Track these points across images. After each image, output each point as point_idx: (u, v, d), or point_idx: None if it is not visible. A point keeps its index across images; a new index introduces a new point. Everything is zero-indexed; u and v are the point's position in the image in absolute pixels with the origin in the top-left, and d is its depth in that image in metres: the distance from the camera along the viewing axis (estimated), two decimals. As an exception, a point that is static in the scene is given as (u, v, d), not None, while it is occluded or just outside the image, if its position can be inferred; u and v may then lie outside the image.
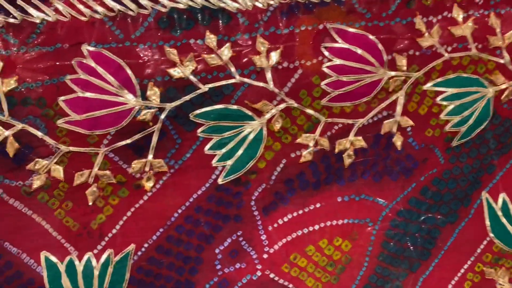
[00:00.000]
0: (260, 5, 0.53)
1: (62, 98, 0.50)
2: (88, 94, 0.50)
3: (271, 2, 0.54)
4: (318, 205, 0.62)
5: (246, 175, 0.57)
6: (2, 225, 0.53)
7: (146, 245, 0.57)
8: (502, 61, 0.60)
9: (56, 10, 0.50)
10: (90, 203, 0.54)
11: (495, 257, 0.66)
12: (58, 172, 0.51)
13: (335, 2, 0.56)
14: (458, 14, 0.57)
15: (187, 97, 0.53)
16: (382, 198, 0.61)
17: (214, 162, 0.55)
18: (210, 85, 0.52)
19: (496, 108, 0.62)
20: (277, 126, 0.54)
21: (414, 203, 0.62)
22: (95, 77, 0.51)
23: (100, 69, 0.50)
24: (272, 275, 0.60)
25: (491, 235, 0.64)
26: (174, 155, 0.54)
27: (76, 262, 0.55)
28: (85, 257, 0.55)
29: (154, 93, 0.51)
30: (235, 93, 0.53)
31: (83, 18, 0.50)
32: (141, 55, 0.51)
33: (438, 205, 0.62)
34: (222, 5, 0.54)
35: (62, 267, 0.54)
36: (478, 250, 0.65)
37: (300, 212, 0.61)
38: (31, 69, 0.49)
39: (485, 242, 0.65)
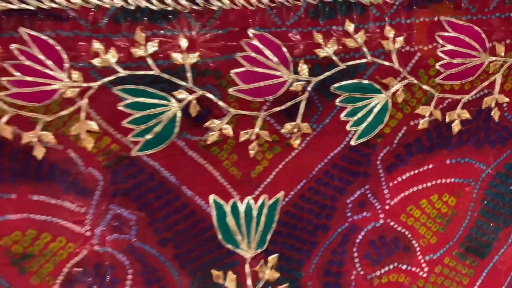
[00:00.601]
0: (388, 0, 0.51)
1: (234, 71, 0.49)
2: (255, 69, 0.49)
3: None
4: (430, 166, 0.60)
5: (374, 139, 0.56)
6: (182, 173, 0.52)
7: (292, 193, 0.55)
8: None
9: (232, 1, 0.49)
10: (252, 156, 0.53)
11: None
12: (228, 130, 0.51)
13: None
14: None
15: (329, 73, 0.52)
16: (482, 162, 0.59)
17: (348, 127, 0.54)
18: (348, 63, 0.52)
19: None
20: (400, 98, 0.54)
21: (508, 168, 0.60)
22: (259, 55, 0.49)
23: (264, 49, 0.49)
24: (392, 223, 0.59)
25: None
26: (316, 120, 0.54)
27: (239, 204, 0.54)
28: (246, 200, 0.54)
29: (303, 69, 0.51)
30: (367, 71, 0.53)
31: (250, 7, 0.49)
32: (294, 39, 0.50)
33: None
34: None
35: (227, 208, 0.54)
36: None
37: (416, 171, 0.59)
38: (209, 47, 0.49)
39: None
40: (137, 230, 0.55)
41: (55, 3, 0.48)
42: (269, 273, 0.57)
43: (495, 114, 0.58)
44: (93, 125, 0.51)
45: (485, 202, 0.61)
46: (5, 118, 0.48)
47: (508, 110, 0.59)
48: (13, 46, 0.47)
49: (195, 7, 0.50)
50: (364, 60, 0.54)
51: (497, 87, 0.57)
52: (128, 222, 0.55)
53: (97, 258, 0.54)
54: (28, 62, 0.47)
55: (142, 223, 0.55)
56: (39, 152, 0.50)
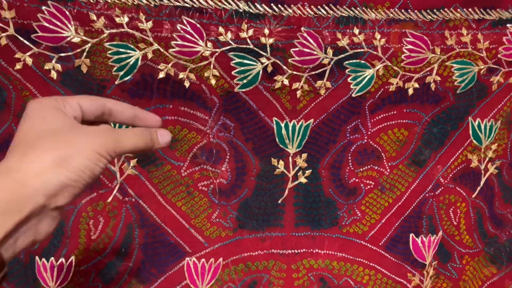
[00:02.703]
0: (378, 17, 0.59)
1: (292, 49, 0.58)
2: (304, 49, 0.58)
3: (384, 17, 0.60)
4: (395, 112, 0.64)
5: (365, 94, 0.62)
6: (260, 103, 0.60)
7: (318, 120, 0.62)
8: (481, 54, 0.64)
9: (294, 11, 0.58)
10: (298, 97, 0.60)
11: (473, 149, 0.68)
12: (286, 82, 0.59)
13: (410, 20, 0.60)
14: (465, 31, 0.62)
15: (343, 55, 0.59)
16: (423, 112, 0.65)
17: (351, 86, 0.61)
18: (354, 51, 0.60)
19: (478, 77, 0.65)
20: (381, 73, 0.61)
21: (437, 118, 0.65)
22: (306, 42, 0.58)
23: (309, 39, 0.58)
24: (371, 142, 0.65)
25: (472, 137, 0.67)
26: (334, 80, 0.61)
27: (289, 123, 0.61)
28: (292, 122, 0.62)
29: (329, 51, 0.59)
30: (364, 56, 0.60)
31: (303, 15, 0.58)
32: (325, 34, 0.58)
33: (448, 119, 0.66)
34: (362, 16, 0.59)
35: (282, 125, 0.62)
36: (465, 144, 0.67)
37: (387, 114, 0.64)
38: (279, 35, 0.58)
39: (469, 141, 0.67)
40: (234, 132, 0.62)
41: (201, 3, 0.56)
42: (301, 163, 0.64)
43: (432, 86, 0.64)
44: (216, 72, 0.58)
45: (424, 135, 0.66)
46: (171, 63, 0.57)
47: (440, 84, 0.64)
48: (178, 25, 0.56)
49: (274, 13, 0.58)
50: (362, 50, 0.60)
51: (434, 71, 0.63)
52: (230, 127, 0.62)
53: (211, 145, 0.62)
54: (184, 34, 0.56)
55: (237, 128, 0.62)
56: (186, 83, 0.58)
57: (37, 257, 0.58)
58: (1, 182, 0.30)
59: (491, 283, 0.72)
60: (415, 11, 0.61)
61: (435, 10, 0.61)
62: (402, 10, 0.61)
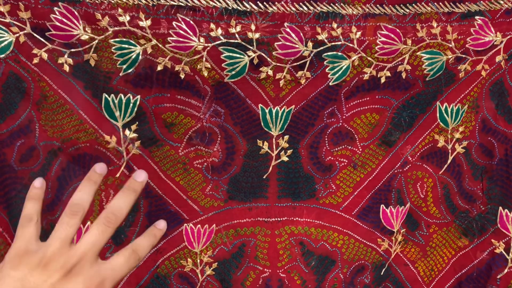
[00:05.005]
0: (355, 12, 0.65)
1: (276, 43, 0.64)
2: (286, 43, 0.64)
3: (360, 11, 0.65)
4: (368, 98, 0.70)
5: (341, 82, 0.68)
6: (247, 91, 0.67)
7: (298, 106, 0.68)
8: (450, 45, 0.69)
9: (278, 8, 0.63)
10: (280, 86, 0.67)
11: (440, 130, 0.74)
12: (270, 72, 0.66)
13: (384, 14, 0.66)
14: (435, 23, 0.67)
15: (322, 48, 0.65)
16: (394, 98, 0.71)
17: (329, 75, 0.67)
18: (332, 43, 0.65)
19: (446, 65, 0.70)
20: (356, 63, 0.67)
21: (407, 103, 0.71)
22: (289, 36, 0.64)
23: (291, 33, 0.64)
24: (345, 125, 0.71)
25: (439, 120, 0.73)
26: (314, 70, 0.67)
27: (272, 109, 0.68)
28: (276, 107, 0.68)
29: (309, 44, 0.65)
30: (341, 48, 0.66)
31: (286, 12, 0.64)
32: (306, 29, 0.64)
33: (417, 104, 0.71)
34: (340, 11, 0.65)
35: (267, 111, 0.68)
36: (433, 126, 0.73)
37: (360, 100, 0.70)
38: (265, 30, 0.64)
39: (436, 123, 0.73)
40: (224, 117, 0.69)
41: (194, 2, 0.63)
42: (283, 144, 0.70)
43: (403, 74, 0.69)
44: (208, 64, 0.65)
45: (394, 119, 0.72)
46: (168, 57, 0.64)
47: (410, 73, 0.69)
48: (174, 23, 0.62)
49: (260, 10, 0.64)
50: (340, 42, 0.66)
51: (405, 61, 0.68)
52: (220, 113, 0.69)
53: (204, 128, 0.69)
54: (179, 31, 0.62)
55: (227, 114, 0.69)
56: (182, 75, 0.65)
57: (57, 225, 0.68)
58: None
59: (464, 253, 0.79)
60: (390, 5, 0.66)
61: (408, 4, 0.67)
62: (377, 5, 0.66)
